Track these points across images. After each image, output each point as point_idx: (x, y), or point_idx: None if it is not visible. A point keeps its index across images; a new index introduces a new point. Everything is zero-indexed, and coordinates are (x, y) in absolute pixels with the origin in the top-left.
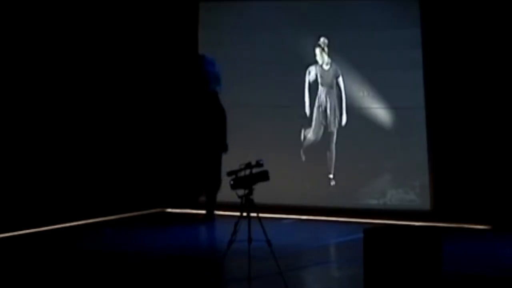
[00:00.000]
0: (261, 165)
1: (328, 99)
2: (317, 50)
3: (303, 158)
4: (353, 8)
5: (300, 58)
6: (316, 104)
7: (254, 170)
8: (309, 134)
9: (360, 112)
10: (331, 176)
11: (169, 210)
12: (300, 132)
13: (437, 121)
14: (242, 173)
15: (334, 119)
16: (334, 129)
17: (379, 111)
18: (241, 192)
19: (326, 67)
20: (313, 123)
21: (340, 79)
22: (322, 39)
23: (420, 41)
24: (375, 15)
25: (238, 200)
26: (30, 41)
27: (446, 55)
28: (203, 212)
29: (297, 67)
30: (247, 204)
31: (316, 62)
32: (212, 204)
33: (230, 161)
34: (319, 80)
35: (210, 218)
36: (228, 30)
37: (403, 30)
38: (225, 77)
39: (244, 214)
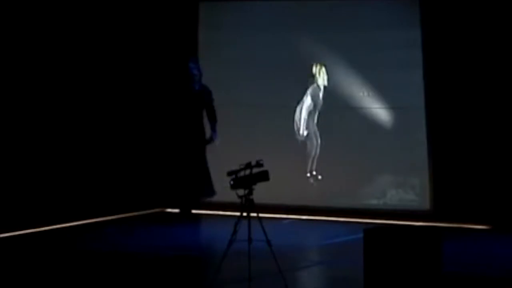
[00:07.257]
0: (261, 165)
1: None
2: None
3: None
4: (353, 8)
5: (300, 58)
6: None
7: (254, 170)
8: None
9: (360, 112)
10: (314, 173)
11: (169, 210)
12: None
13: (437, 121)
14: (242, 173)
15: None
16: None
17: (379, 111)
18: (241, 192)
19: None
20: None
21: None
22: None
23: (420, 41)
24: (375, 15)
25: (238, 200)
26: (30, 41)
27: (446, 55)
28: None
29: (297, 67)
30: (247, 204)
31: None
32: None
33: (230, 161)
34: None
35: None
36: (228, 30)
37: (403, 30)
38: (225, 77)
39: (244, 214)
